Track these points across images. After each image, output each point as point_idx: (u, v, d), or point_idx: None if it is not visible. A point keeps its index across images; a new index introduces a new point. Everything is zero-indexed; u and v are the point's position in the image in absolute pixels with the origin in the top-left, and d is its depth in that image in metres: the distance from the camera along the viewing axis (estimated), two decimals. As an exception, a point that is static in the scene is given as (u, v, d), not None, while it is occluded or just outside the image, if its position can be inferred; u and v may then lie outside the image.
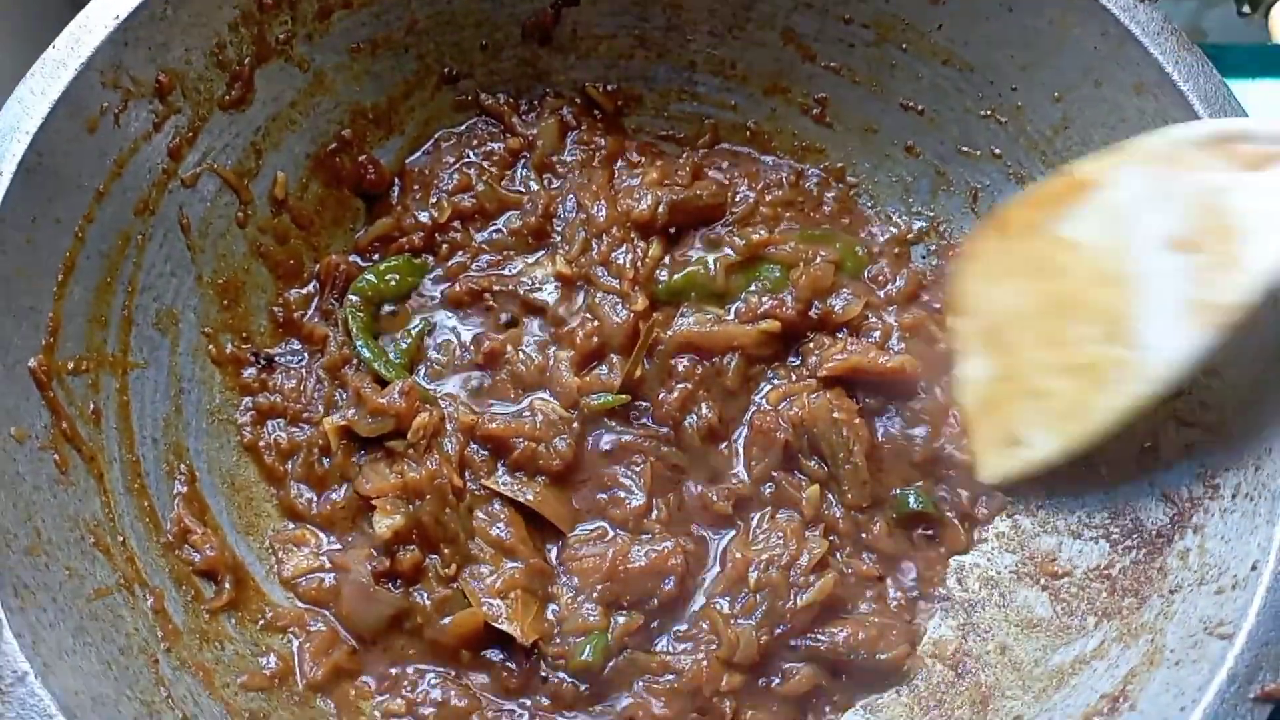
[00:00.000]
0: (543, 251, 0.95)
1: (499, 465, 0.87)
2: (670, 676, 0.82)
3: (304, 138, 0.91)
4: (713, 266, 0.93)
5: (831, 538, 0.86)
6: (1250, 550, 0.70)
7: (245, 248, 0.90)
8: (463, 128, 0.99)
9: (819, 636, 0.83)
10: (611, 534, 0.86)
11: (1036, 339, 0.77)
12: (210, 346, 0.87)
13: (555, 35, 0.97)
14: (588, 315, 0.91)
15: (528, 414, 0.88)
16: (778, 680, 0.82)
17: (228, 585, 0.80)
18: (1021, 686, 0.78)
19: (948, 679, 0.82)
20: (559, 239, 0.94)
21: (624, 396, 0.88)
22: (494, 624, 0.81)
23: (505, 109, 0.98)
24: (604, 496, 0.87)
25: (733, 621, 0.82)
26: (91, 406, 0.77)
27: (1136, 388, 0.72)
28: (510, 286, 0.93)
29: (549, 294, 0.92)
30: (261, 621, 0.81)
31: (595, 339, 0.89)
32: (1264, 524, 0.70)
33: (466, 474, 0.87)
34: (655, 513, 0.86)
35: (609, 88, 1.00)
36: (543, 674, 0.82)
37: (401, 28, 0.92)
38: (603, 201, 0.94)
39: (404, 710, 0.81)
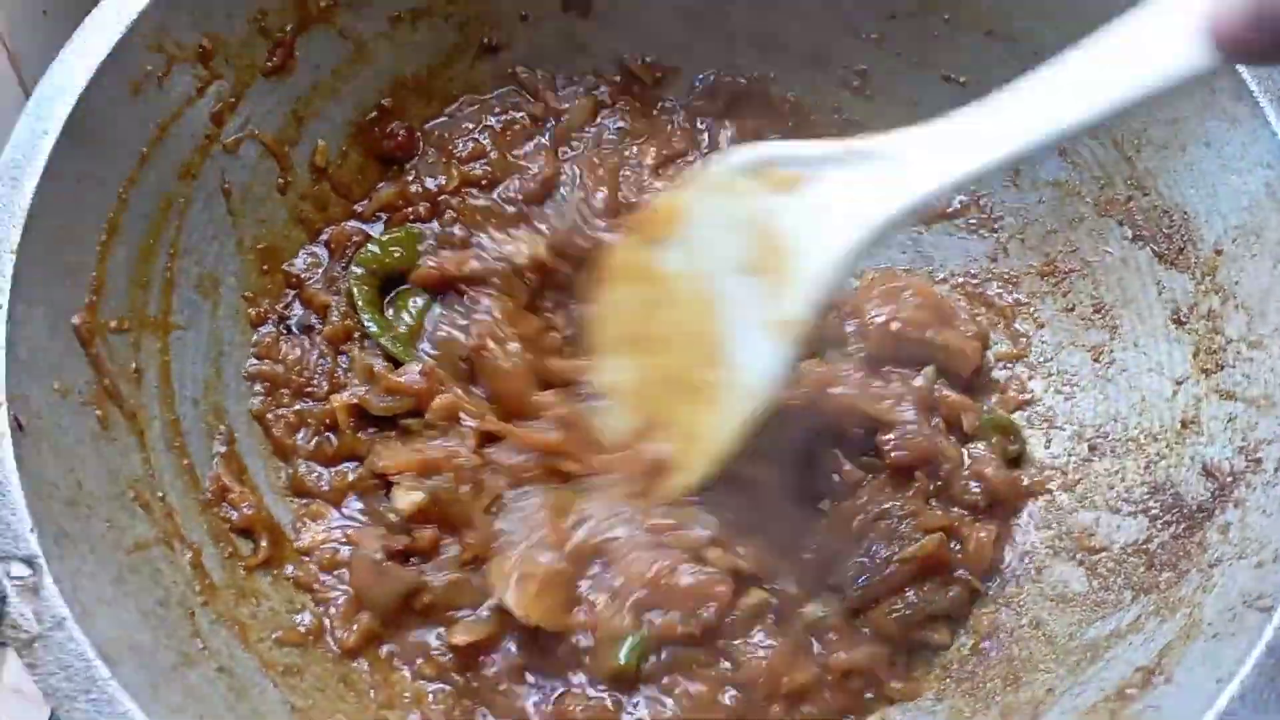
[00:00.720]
0: (524, 229, 0.92)
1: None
2: (725, 665, 0.80)
3: (345, 106, 0.92)
4: None
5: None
6: (1293, 525, 0.69)
7: (286, 214, 0.90)
8: (490, 95, 0.98)
9: (896, 605, 0.82)
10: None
11: (661, 364, 0.81)
12: (250, 310, 0.88)
13: (594, 6, 0.97)
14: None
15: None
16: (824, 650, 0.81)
17: (264, 543, 0.81)
18: (1055, 660, 0.78)
19: (980, 652, 0.82)
20: (552, 215, 0.92)
21: None
22: (496, 598, 0.79)
23: (540, 85, 0.98)
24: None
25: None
26: (133, 365, 0.78)
27: (738, 405, 0.76)
28: (479, 266, 0.90)
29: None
30: (293, 581, 0.82)
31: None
32: (1307, 497, 0.69)
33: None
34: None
35: (647, 59, 0.99)
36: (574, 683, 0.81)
37: (442, -3, 0.93)
38: (605, 190, 0.92)
39: (435, 674, 0.81)
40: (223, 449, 0.83)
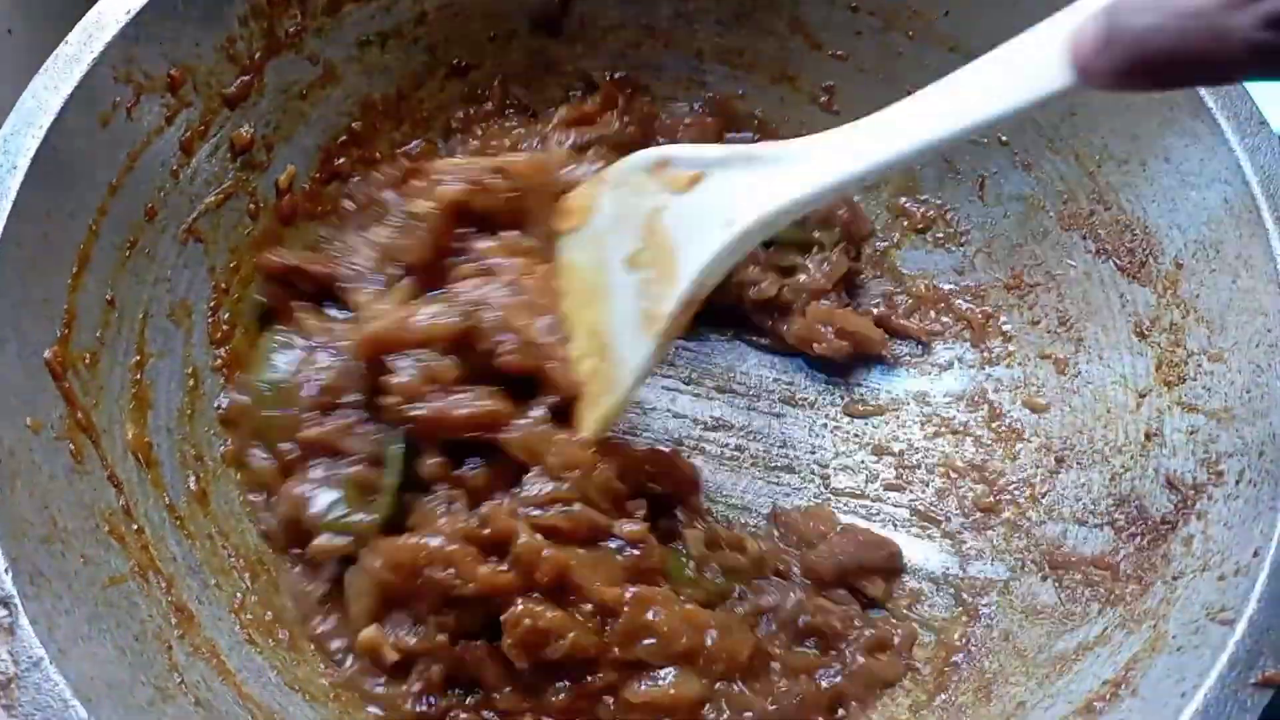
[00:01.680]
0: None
1: None
2: None
3: (314, 130, 0.92)
4: None
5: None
6: (1253, 536, 0.70)
7: (256, 239, 0.90)
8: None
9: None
10: None
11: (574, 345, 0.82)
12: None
13: (564, 26, 0.98)
14: None
15: None
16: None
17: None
18: (1025, 673, 0.79)
19: (952, 665, 0.83)
20: None
21: None
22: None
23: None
24: None
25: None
26: (105, 396, 0.78)
27: (611, 397, 0.78)
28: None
29: None
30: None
31: None
32: (1267, 510, 0.70)
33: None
34: None
35: (616, 76, 1.00)
36: None
37: (411, 20, 0.93)
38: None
39: None
40: (197, 475, 0.83)
